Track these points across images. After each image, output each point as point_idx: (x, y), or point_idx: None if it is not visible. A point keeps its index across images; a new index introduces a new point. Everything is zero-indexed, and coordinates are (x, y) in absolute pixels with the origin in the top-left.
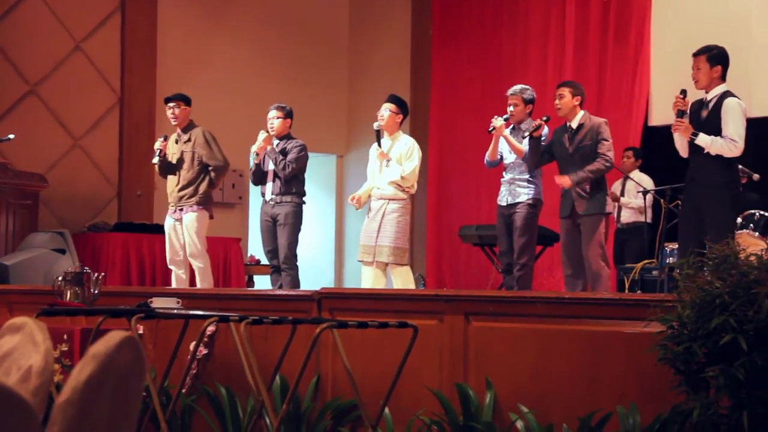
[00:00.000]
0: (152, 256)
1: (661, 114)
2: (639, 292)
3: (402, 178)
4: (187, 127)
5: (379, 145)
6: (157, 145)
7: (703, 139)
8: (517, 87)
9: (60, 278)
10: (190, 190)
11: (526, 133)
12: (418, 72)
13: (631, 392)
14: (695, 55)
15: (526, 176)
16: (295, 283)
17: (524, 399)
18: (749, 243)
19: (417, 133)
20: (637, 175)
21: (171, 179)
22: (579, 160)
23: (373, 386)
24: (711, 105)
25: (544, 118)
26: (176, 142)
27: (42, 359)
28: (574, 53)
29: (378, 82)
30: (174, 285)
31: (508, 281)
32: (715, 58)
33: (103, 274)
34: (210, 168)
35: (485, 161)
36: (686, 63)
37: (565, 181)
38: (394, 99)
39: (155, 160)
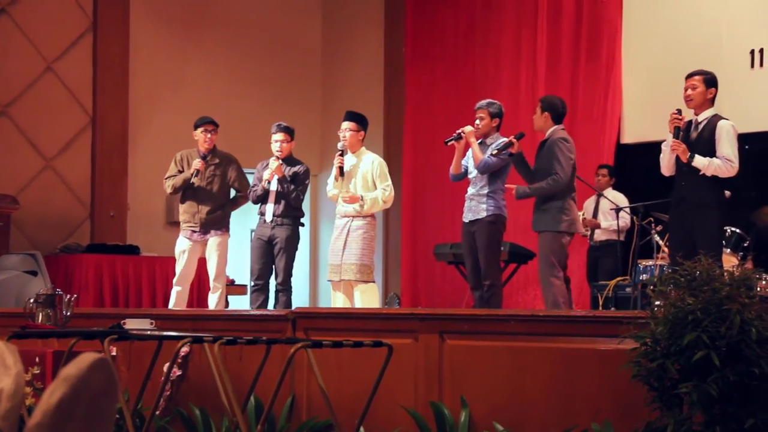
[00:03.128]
0: (125, 277)
1: (634, 131)
2: (613, 309)
3: (383, 201)
4: (214, 151)
5: (342, 173)
6: (197, 164)
7: (700, 161)
8: (484, 101)
9: (32, 300)
10: (219, 213)
11: (493, 150)
12: (392, 91)
13: (605, 409)
14: (690, 75)
15: (486, 191)
16: (289, 304)
17: (499, 417)
18: (721, 260)
19: (391, 151)
20: (611, 193)
21: (192, 201)
22: (540, 176)
23: (348, 406)
24: (701, 126)
25: (517, 136)
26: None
27: (13, 382)
28: (547, 71)
29: (351, 102)
30: (173, 302)
31: (479, 299)
32: (710, 81)
33: (75, 295)
34: (240, 195)
35: (450, 175)
36: (658, 80)
37: (512, 192)
38: (352, 116)
39: (194, 179)
